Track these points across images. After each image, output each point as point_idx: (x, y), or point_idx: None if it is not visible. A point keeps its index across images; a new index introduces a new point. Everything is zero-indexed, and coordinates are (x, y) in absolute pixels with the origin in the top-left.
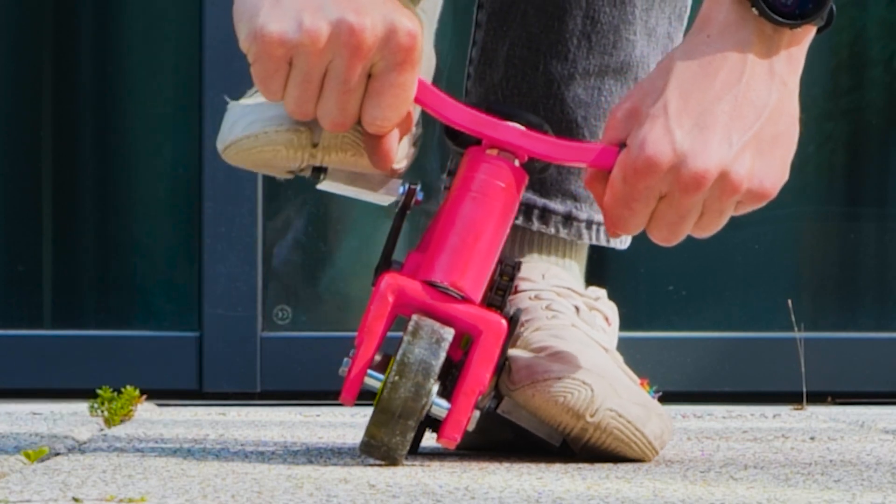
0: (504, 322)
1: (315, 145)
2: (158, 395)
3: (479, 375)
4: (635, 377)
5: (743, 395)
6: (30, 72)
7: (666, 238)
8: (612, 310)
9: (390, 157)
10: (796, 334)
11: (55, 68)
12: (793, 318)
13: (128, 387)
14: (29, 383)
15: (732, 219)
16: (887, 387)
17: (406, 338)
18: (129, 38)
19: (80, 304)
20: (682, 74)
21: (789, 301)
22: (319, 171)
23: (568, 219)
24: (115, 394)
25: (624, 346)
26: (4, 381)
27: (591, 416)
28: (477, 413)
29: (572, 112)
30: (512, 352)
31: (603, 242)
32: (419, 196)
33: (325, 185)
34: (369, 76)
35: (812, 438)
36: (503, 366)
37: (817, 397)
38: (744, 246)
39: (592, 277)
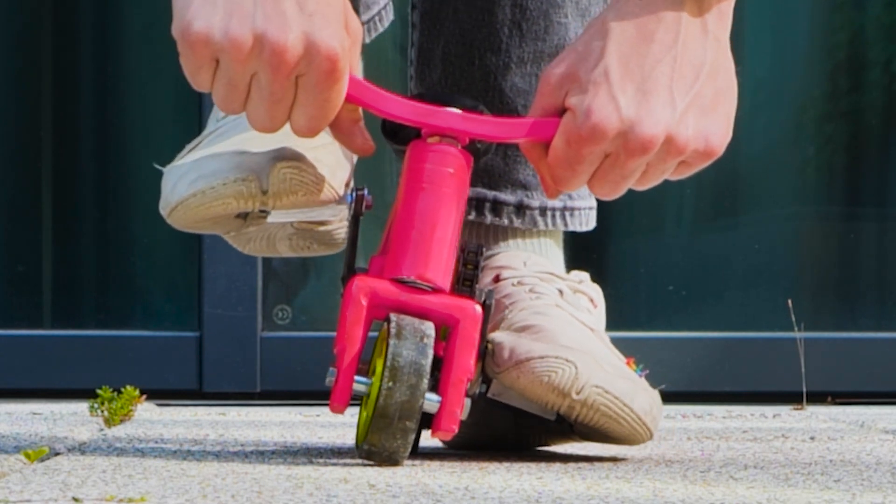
0: (478, 307)
1: (265, 192)
2: (158, 395)
3: (464, 363)
4: (621, 356)
5: (743, 395)
6: (30, 72)
7: (607, 194)
8: (596, 292)
9: (357, 140)
10: (796, 334)
11: (55, 68)
12: (793, 318)
13: (128, 387)
14: (29, 383)
15: (733, 219)
16: (887, 387)
17: (391, 341)
18: (129, 38)
19: (80, 304)
20: (618, 38)
21: (789, 301)
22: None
23: (520, 208)
24: (115, 394)
25: (624, 346)
26: (4, 381)
27: (577, 393)
28: (468, 401)
29: (512, 101)
30: (496, 334)
31: (560, 228)
32: (368, 198)
33: (274, 216)
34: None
35: (812, 438)
36: (486, 350)
37: (817, 397)
38: (744, 246)
39: (592, 277)
